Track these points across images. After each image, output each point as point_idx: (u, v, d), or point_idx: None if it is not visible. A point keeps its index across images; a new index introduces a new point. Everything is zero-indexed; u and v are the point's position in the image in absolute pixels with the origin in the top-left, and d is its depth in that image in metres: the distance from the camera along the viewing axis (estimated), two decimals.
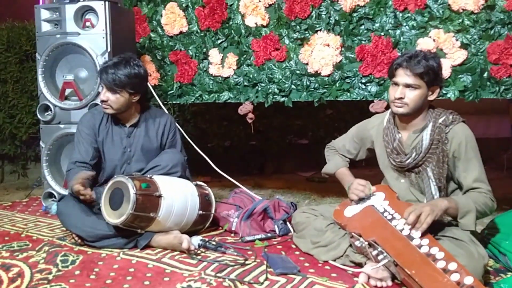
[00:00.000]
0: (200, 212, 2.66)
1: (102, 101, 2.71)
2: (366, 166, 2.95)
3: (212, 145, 4.85)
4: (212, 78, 3.48)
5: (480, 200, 2.17)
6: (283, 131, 5.17)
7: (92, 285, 2.09)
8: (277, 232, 2.75)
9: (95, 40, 3.14)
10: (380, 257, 2.07)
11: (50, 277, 2.17)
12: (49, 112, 3.27)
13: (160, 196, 2.45)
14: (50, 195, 3.35)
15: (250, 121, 3.40)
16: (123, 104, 2.72)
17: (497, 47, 2.73)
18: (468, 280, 1.76)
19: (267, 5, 3.22)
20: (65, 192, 3.22)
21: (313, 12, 3.12)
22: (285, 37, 3.22)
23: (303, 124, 5.20)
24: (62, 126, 3.25)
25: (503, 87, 2.76)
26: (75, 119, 3.11)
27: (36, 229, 2.89)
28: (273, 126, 4.94)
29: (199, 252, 2.43)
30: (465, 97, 2.85)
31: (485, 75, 2.79)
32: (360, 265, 2.24)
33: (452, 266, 1.84)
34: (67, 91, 3.23)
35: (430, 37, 2.87)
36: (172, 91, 3.62)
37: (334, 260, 2.33)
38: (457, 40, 2.82)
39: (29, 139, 4.44)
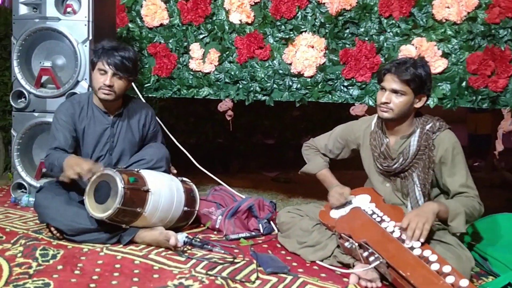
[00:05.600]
0: (185, 208, 2.61)
1: (107, 86, 2.55)
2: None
3: (178, 141, 4.77)
4: (192, 73, 3.41)
5: (468, 204, 2.21)
6: (250, 131, 5.16)
7: (78, 281, 2.02)
8: (261, 231, 2.74)
9: (77, 27, 3.01)
10: (371, 259, 2.09)
11: (31, 271, 2.08)
12: (23, 99, 3.11)
13: (148, 191, 2.39)
14: (20, 186, 3.18)
15: (229, 118, 3.38)
16: (123, 90, 2.63)
17: (476, 58, 2.83)
18: (464, 282, 1.79)
19: (253, 3, 3.19)
20: (36, 183, 3.08)
21: (299, 13, 3.12)
22: (269, 36, 3.20)
23: (270, 124, 5.21)
24: (36, 114, 3.09)
25: (480, 97, 2.86)
26: (51, 108, 2.99)
27: (8, 221, 2.76)
28: (240, 125, 4.91)
29: (185, 249, 2.38)
30: (444, 104, 2.94)
31: (464, 84, 2.88)
32: (348, 266, 2.25)
33: (447, 268, 1.87)
34: (44, 78, 3.08)
35: (413, 44, 2.94)
36: (149, 84, 3.52)
37: (322, 261, 2.34)
38: (438, 49, 2.90)
39: None
